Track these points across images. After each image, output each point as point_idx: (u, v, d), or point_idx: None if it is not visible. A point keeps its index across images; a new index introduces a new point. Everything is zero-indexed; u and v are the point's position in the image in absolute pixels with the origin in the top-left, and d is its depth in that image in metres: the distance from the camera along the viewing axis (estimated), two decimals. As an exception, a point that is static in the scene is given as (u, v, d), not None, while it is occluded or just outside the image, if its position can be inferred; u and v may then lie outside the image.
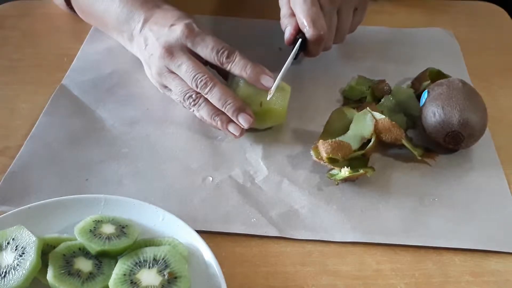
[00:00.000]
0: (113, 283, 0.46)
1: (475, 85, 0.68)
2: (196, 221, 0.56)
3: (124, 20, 0.70)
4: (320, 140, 0.61)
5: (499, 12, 0.92)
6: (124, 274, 0.47)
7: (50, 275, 0.46)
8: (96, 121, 0.68)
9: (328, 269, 0.53)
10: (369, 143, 0.62)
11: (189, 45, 0.64)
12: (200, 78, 0.63)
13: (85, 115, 0.68)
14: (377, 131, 0.62)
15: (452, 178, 0.62)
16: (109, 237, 0.49)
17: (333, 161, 0.60)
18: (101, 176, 0.61)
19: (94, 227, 0.50)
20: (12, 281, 0.45)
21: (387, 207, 0.59)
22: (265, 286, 0.52)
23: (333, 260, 0.54)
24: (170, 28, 0.65)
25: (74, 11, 0.82)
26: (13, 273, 0.46)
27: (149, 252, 0.49)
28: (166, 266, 0.48)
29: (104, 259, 0.49)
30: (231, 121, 0.62)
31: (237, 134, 0.63)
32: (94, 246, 0.48)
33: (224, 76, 0.68)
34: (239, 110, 0.62)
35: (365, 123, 0.63)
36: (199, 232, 0.52)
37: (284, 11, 0.71)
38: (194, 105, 0.64)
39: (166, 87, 0.67)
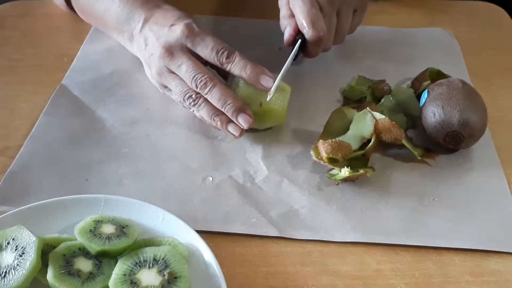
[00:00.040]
0: (113, 283, 0.46)
1: (475, 85, 0.68)
2: (196, 221, 0.56)
3: (124, 20, 0.70)
4: (320, 140, 0.61)
5: (499, 12, 0.92)
6: (124, 274, 0.47)
7: (50, 275, 0.46)
8: (96, 121, 0.68)
9: (328, 269, 0.53)
10: (369, 143, 0.62)
11: (189, 45, 0.64)
12: (200, 78, 0.63)
13: (85, 115, 0.68)
14: (377, 131, 0.62)
15: (452, 178, 0.62)
16: (109, 237, 0.49)
17: (333, 161, 0.60)
18: (101, 176, 0.61)
19: (94, 227, 0.50)
20: (12, 281, 0.45)
21: (387, 207, 0.59)
22: (265, 286, 0.52)
23: (333, 260, 0.54)
24: (170, 28, 0.65)
25: (74, 11, 0.82)
26: (13, 273, 0.46)
27: (149, 252, 0.49)
28: (166, 266, 0.48)
29: (104, 259, 0.49)
30: (230, 121, 0.63)
31: (236, 134, 0.63)
32: (94, 246, 0.48)
33: (224, 76, 0.68)
34: (239, 110, 0.62)
35: (365, 123, 0.63)
36: (199, 232, 0.52)
37: (283, 12, 0.71)
38: (194, 105, 0.64)
39: (166, 87, 0.67)
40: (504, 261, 0.55)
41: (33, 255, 0.46)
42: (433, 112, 0.62)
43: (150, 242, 0.51)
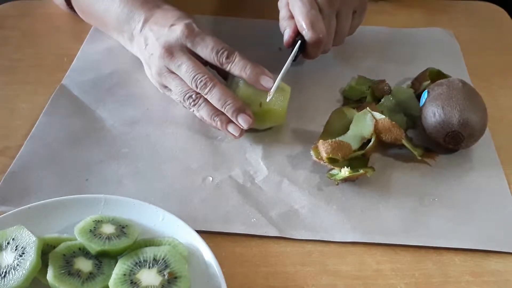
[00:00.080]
0: (113, 283, 0.46)
1: (475, 85, 0.68)
2: (196, 221, 0.56)
3: (124, 20, 0.70)
4: (320, 140, 0.61)
5: (499, 12, 0.92)
6: (124, 274, 0.47)
7: (50, 275, 0.46)
8: (96, 121, 0.68)
9: (328, 269, 0.53)
10: (369, 143, 0.62)
11: (189, 45, 0.64)
12: (200, 79, 0.63)
13: (85, 115, 0.68)
14: (377, 131, 0.62)
15: (452, 178, 0.62)
16: (109, 237, 0.49)
17: (333, 161, 0.60)
18: (101, 176, 0.61)
19: (94, 227, 0.50)
20: (12, 281, 0.45)
21: (387, 207, 0.59)
22: (265, 286, 0.52)
23: (333, 260, 0.54)
24: (170, 28, 0.65)
25: (75, 11, 0.82)
26: (13, 273, 0.46)
27: (149, 252, 0.49)
28: (166, 266, 0.48)
29: (104, 259, 0.49)
30: (230, 121, 0.63)
31: (236, 134, 0.63)
32: (94, 246, 0.48)
33: (224, 76, 0.68)
34: (239, 110, 0.62)
35: (365, 123, 0.63)
36: (199, 232, 0.52)
37: (283, 14, 0.71)
38: (194, 105, 0.64)
39: (166, 87, 0.67)
40: (504, 261, 0.55)
41: (33, 255, 0.46)
42: (433, 112, 0.62)
43: (150, 242, 0.51)
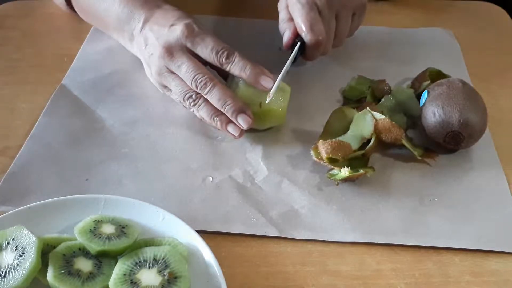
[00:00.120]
0: (113, 283, 0.46)
1: (475, 85, 0.68)
2: (196, 221, 0.56)
3: (124, 20, 0.70)
4: (320, 140, 0.61)
5: (499, 12, 0.92)
6: (124, 274, 0.47)
7: (50, 275, 0.46)
8: (96, 121, 0.68)
9: (328, 269, 0.53)
10: (369, 143, 0.62)
11: (188, 45, 0.64)
12: (200, 79, 0.63)
13: (85, 115, 0.68)
14: (377, 131, 0.62)
15: (452, 178, 0.62)
16: (109, 237, 0.49)
17: (333, 161, 0.60)
18: (101, 176, 0.61)
19: (94, 227, 0.50)
20: (12, 281, 0.45)
21: (387, 207, 0.59)
22: (265, 286, 0.52)
23: (333, 260, 0.54)
24: (170, 28, 0.65)
25: (75, 11, 0.82)
26: (13, 273, 0.46)
27: (149, 252, 0.49)
28: (166, 266, 0.48)
29: (104, 259, 0.49)
30: (230, 121, 0.63)
31: (236, 134, 0.63)
32: (94, 246, 0.48)
33: (224, 76, 0.68)
34: (239, 111, 0.62)
35: (365, 123, 0.63)
36: (199, 232, 0.52)
37: (282, 16, 0.71)
38: (194, 105, 0.64)
39: (166, 87, 0.67)
40: (504, 261, 0.55)
41: (33, 255, 0.46)
42: (433, 112, 0.62)
43: (150, 242, 0.51)
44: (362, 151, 0.62)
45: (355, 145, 0.61)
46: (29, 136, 0.65)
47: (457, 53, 0.81)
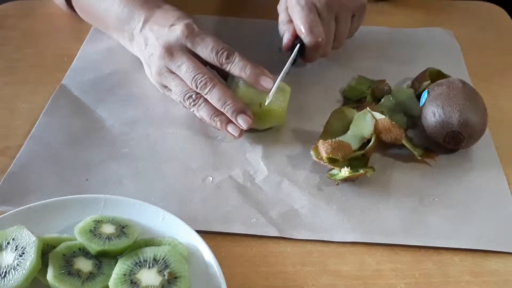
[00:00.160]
0: (113, 283, 0.46)
1: (475, 85, 0.68)
2: (196, 221, 0.56)
3: (124, 20, 0.70)
4: (320, 140, 0.61)
5: (499, 12, 0.92)
6: (124, 274, 0.47)
7: (50, 275, 0.46)
8: (96, 121, 0.68)
9: (328, 269, 0.53)
10: (369, 143, 0.62)
11: (188, 45, 0.64)
12: (200, 79, 0.63)
13: (85, 115, 0.68)
14: (377, 131, 0.62)
15: (452, 178, 0.62)
16: (109, 237, 0.49)
17: (333, 161, 0.60)
18: (101, 176, 0.61)
19: (94, 227, 0.50)
20: (12, 281, 0.45)
21: (387, 207, 0.59)
22: (265, 286, 0.52)
23: (333, 260, 0.54)
24: (170, 28, 0.65)
25: (75, 11, 0.82)
26: (13, 273, 0.46)
27: (149, 252, 0.49)
28: (166, 266, 0.48)
29: (104, 259, 0.49)
30: (230, 121, 0.63)
31: (236, 134, 0.63)
32: (94, 246, 0.48)
33: (224, 76, 0.68)
34: (238, 111, 0.62)
35: (365, 123, 0.63)
36: (199, 232, 0.52)
37: (282, 18, 0.71)
38: (194, 105, 0.64)
39: (166, 87, 0.67)
40: (504, 261, 0.55)
41: (33, 255, 0.46)
42: (433, 112, 0.62)
43: (150, 242, 0.51)
44: (362, 151, 0.62)
45: (355, 145, 0.61)
46: (29, 136, 0.65)
47: (457, 53, 0.81)
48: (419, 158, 0.62)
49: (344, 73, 0.75)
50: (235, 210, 0.58)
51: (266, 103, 0.63)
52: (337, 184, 0.60)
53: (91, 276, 0.47)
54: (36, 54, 0.79)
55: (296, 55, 0.68)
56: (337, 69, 0.77)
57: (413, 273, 0.53)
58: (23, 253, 0.47)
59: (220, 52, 0.63)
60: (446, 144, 0.63)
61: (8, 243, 0.48)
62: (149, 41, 0.67)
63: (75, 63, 0.76)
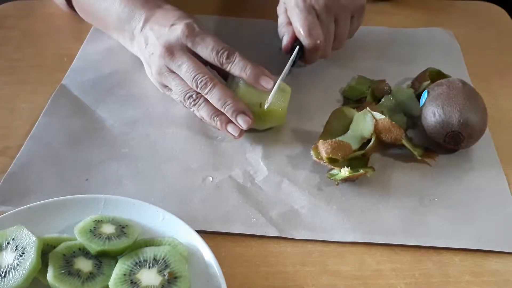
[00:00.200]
0: (113, 283, 0.46)
1: (475, 85, 0.68)
2: (196, 221, 0.56)
3: (125, 20, 0.70)
4: (320, 140, 0.61)
5: (499, 12, 0.92)
6: (124, 274, 0.47)
7: (50, 275, 0.46)
8: (96, 121, 0.68)
9: (328, 269, 0.53)
10: (369, 143, 0.62)
11: (189, 45, 0.64)
12: (200, 79, 0.63)
13: (85, 115, 0.68)
14: (377, 131, 0.62)
15: (452, 178, 0.62)
16: (109, 237, 0.49)
17: (333, 161, 0.60)
18: (101, 176, 0.61)
19: (94, 227, 0.50)
20: (12, 281, 0.45)
21: (387, 207, 0.59)
22: (265, 286, 0.52)
23: (333, 260, 0.54)
24: (171, 27, 0.65)
25: (75, 11, 0.82)
26: (13, 273, 0.46)
27: (149, 252, 0.49)
28: (166, 266, 0.48)
29: (104, 259, 0.49)
30: (230, 121, 0.63)
31: (236, 134, 0.63)
32: (94, 246, 0.48)
33: (224, 76, 0.68)
34: (238, 111, 0.62)
35: (365, 123, 0.63)
36: (199, 232, 0.52)
37: (281, 20, 0.71)
38: (194, 105, 0.64)
39: (166, 86, 0.67)
40: (504, 261, 0.55)
41: (33, 255, 0.46)
42: (433, 112, 0.62)
43: (150, 242, 0.51)
44: (362, 151, 0.62)
45: (355, 145, 0.61)
46: (29, 136, 0.65)
47: (457, 53, 0.81)
48: (419, 158, 0.62)
49: (344, 73, 0.75)
50: (235, 210, 0.58)
51: (266, 107, 0.63)
52: (337, 184, 0.60)
53: (91, 276, 0.47)
54: (36, 54, 0.79)
55: (296, 57, 0.68)
56: (337, 69, 0.77)
57: (413, 273, 0.53)
58: (23, 253, 0.47)
59: (221, 52, 0.63)
60: (446, 144, 0.63)
61: (8, 243, 0.48)
62: (150, 40, 0.67)
63: (75, 63, 0.76)
